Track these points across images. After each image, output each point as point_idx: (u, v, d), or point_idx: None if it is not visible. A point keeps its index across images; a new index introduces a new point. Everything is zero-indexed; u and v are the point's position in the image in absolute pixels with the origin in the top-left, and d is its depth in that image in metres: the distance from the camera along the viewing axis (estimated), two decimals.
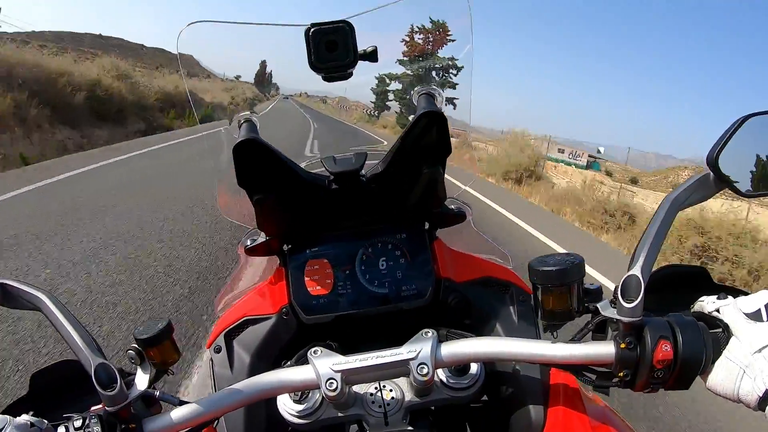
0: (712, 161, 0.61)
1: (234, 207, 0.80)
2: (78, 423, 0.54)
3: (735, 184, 0.63)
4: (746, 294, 0.64)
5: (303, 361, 0.62)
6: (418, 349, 0.59)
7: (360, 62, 0.65)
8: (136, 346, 0.60)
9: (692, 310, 0.60)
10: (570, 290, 0.57)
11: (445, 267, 0.79)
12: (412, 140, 0.67)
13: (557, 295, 0.57)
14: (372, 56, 0.65)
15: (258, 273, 0.87)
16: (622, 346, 0.54)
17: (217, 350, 0.78)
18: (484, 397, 0.81)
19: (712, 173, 0.62)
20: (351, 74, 0.66)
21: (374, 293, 0.77)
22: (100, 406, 0.56)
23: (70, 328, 0.58)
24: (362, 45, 0.64)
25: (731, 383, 0.52)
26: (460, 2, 0.69)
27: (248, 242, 0.80)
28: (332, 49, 0.63)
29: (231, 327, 0.79)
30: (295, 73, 0.67)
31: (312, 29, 0.63)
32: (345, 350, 0.75)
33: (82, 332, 0.58)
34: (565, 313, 0.57)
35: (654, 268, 0.59)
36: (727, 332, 0.54)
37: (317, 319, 0.76)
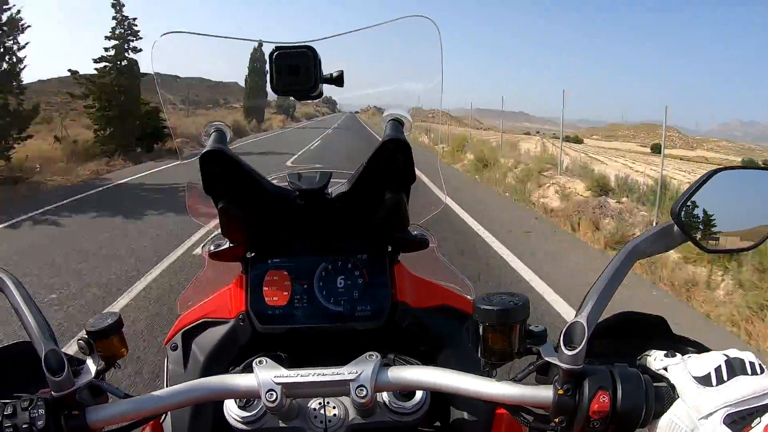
0: (676, 213, 0.60)
1: (201, 210, 0.81)
2: (26, 403, 0.55)
3: (698, 238, 0.62)
4: (700, 347, 0.63)
5: (249, 369, 0.63)
6: (360, 371, 0.59)
7: None
8: (86, 337, 0.62)
9: (638, 363, 0.59)
10: (511, 331, 0.56)
11: (403, 291, 0.79)
12: (376, 165, 0.68)
13: (498, 335, 0.56)
14: (338, 81, 0.66)
15: (222, 276, 0.87)
16: (560, 392, 0.53)
17: (174, 348, 0.80)
18: (437, 424, 0.81)
19: (675, 224, 0.61)
20: (321, 94, 0.67)
21: (329, 310, 0.77)
22: (49, 389, 0.57)
23: (27, 312, 0.59)
24: (333, 67, 0.65)
25: None
26: (431, 32, 0.69)
27: (212, 247, 0.81)
28: (295, 72, 0.64)
29: (189, 326, 0.80)
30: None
31: (276, 53, 0.63)
32: (297, 363, 0.75)
33: (38, 317, 0.59)
34: (505, 353, 0.57)
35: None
36: (673, 391, 0.52)
37: (271, 329, 0.76)
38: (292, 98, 0.69)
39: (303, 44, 0.63)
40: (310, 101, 0.69)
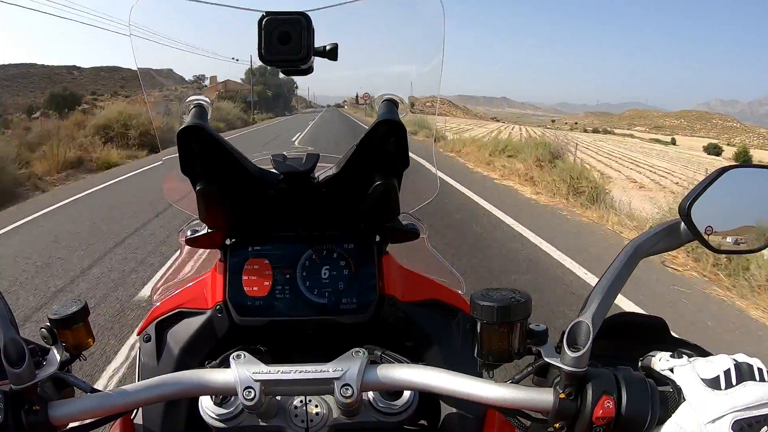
0: (684, 211, 0.58)
1: (179, 193, 0.76)
2: None
3: (705, 237, 0.60)
4: (701, 351, 0.61)
5: (226, 363, 0.58)
6: (346, 368, 0.55)
7: None
8: (49, 325, 0.57)
9: (641, 364, 0.56)
10: (512, 330, 0.53)
11: (391, 284, 0.75)
12: (368, 148, 0.64)
13: (497, 334, 0.53)
14: (331, 54, 0.61)
15: (200, 264, 0.82)
16: (562, 396, 0.51)
17: (147, 339, 0.75)
18: (423, 422, 0.78)
19: (683, 222, 0.59)
20: (311, 69, 0.62)
21: (312, 302, 0.73)
22: (8, 381, 0.52)
23: None
24: (326, 41, 0.60)
25: None
26: (434, 9, 0.64)
27: (189, 232, 0.76)
28: (285, 41, 0.59)
29: (164, 317, 0.75)
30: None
31: (266, 18, 0.58)
32: (276, 357, 0.71)
33: None
34: (505, 353, 0.53)
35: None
36: (678, 395, 0.50)
37: (250, 322, 0.72)
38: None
39: (296, 11, 0.58)
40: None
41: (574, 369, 0.50)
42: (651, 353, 0.56)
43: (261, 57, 0.59)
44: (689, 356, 0.54)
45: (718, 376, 0.48)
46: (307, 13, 0.58)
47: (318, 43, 0.60)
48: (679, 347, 0.63)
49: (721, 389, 0.48)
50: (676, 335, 0.65)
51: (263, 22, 0.58)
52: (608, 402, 0.49)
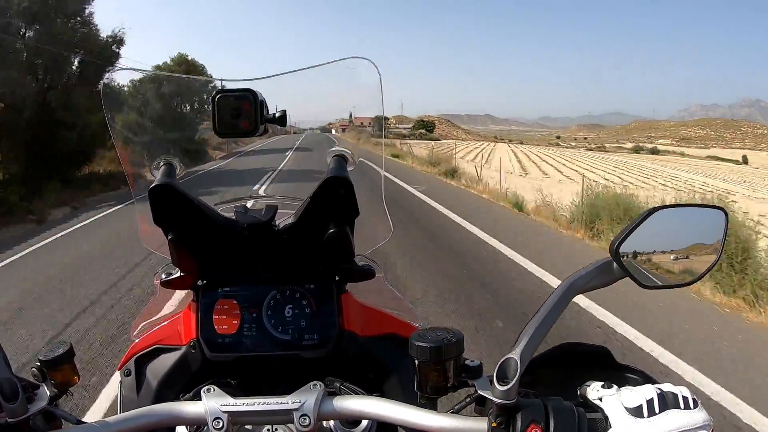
0: (614, 251, 0.62)
1: (153, 238, 0.82)
2: None
3: (636, 275, 0.64)
4: (645, 377, 0.64)
5: (198, 396, 0.63)
6: (303, 400, 0.60)
7: None
8: (39, 365, 0.63)
9: (579, 393, 0.60)
10: (445, 366, 0.57)
11: (350, 320, 0.80)
12: (319, 201, 0.70)
13: (432, 371, 0.57)
14: (280, 121, 0.68)
15: (175, 303, 0.88)
16: (494, 425, 0.55)
17: (127, 374, 0.80)
18: None
19: (614, 261, 0.63)
20: (266, 131, 0.69)
21: (277, 339, 0.78)
22: (4, 414, 0.57)
23: None
24: (278, 99, 0.66)
25: None
26: (372, 71, 0.71)
27: (164, 275, 0.82)
28: (236, 115, 0.66)
29: (143, 353, 0.81)
30: None
31: (218, 96, 0.65)
32: (247, 390, 0.76)
33: None
34: (441, 388, 0.58)
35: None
36: (606, 423, 0.54)
37: (221, 357, 0.77)
38: None
39: (244, 88, 0.65)
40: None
41: (503, 401, 0.54)
42: (587, 383, 0.59)
43: (216, 130, 0.66)
44: (623, 385, 0.58)
45: (641, 405, 0.52)
46: (253, 88, 0.65)
47: (270, 101, 0.67)
48: (624, 372, 0.67)
49: (643, 417, 0.51)
50: (621, 362, 0.69)
51: (216, 99, 0.65)
52: (536, 430, 0.52)
